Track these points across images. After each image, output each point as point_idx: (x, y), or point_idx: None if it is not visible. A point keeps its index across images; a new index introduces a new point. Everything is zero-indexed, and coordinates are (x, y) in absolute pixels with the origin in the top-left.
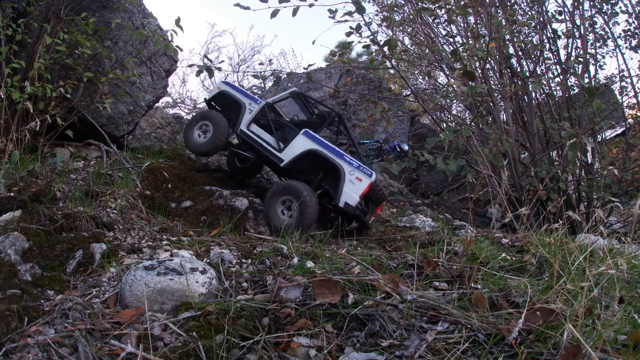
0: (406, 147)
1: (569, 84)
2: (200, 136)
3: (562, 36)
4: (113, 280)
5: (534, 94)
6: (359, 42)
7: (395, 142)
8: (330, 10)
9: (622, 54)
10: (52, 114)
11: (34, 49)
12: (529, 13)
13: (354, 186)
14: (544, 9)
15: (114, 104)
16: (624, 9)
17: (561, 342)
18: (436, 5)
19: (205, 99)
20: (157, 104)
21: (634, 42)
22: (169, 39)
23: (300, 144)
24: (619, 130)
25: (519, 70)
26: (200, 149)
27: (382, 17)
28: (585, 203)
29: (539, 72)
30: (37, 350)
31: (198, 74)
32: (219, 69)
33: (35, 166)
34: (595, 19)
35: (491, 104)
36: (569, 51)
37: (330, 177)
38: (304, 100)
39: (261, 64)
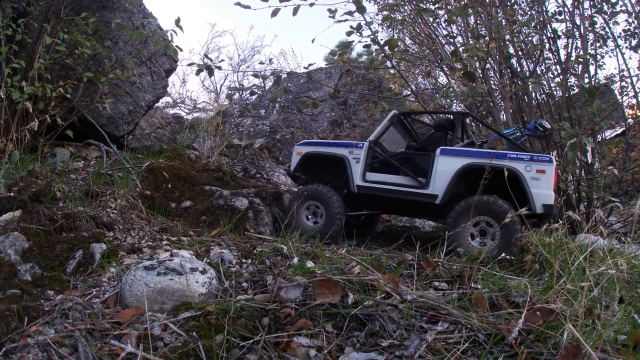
0: (548, 125)
1: (569, 84)
2: (309, 218)
3: (562, 36)
4: (113, 280)
5: (534, 94)
6: (360, 41)
7: (534, 121)
8: (330, 10)
9: (622, 54)
10: (52, 114)
11: (34, 49)
12: (529, 13)
13: (540, 182)
14: (544, 9)
15: (114, 104)
16: (624, 8)
17: (561, 342)
18: (436, 5)
19: (289, 173)
20: (157, 104)
21: (634, 42)
22: (169, 39)
23: (447, 166)
24: (619, 130)
25: (519, 70)
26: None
27: (382, 16)
28: (585, 203)
29: (539, 72)
30: (37, 350)
31: (198, 72)
32: (219, 68)
33: (35, 166)
34: (595, 18)
35: (491, 104)
36: (569, 51)
37: (498, 187)
38: (405, 121)
39: (261, 63)
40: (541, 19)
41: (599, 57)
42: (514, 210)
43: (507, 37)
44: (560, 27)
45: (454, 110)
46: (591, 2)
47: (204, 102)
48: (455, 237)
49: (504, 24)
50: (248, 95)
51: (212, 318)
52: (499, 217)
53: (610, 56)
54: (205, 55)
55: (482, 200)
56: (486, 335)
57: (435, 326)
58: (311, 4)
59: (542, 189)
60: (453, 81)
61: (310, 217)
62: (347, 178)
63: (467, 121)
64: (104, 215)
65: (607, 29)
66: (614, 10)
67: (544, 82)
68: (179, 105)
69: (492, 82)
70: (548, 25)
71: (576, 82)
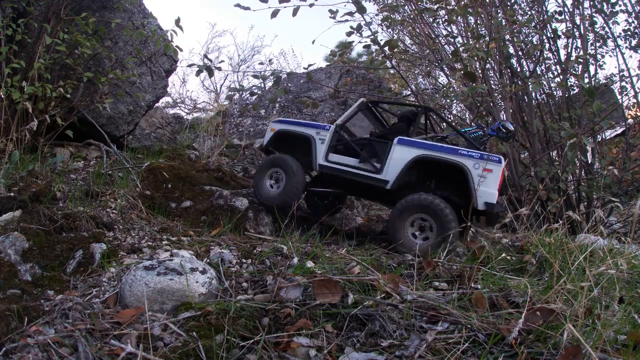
0: (511, 127)
1: (569, 84)
2: (272, 186)
3: (562, 36)
4: (113, 280)
5: (534, 94)
6: (360, 42)
7: (498, 123)
8: (330, 11)
9: (622, 54)
10: (52, 114)
11: (34, 49)
12: (529, 13)
13: (486, 180)
14: (544, 9)
15: (114, 104)
16: (624, 8)
17: (561, 342)
18: (437, 5)
19: (261, 146)
20: (157, 104)
21: (634, 42)
22: (169, 39)
23: (401, 154)
24: (619, 130)
25: (519, 70)
26: (276, 200)
27: (382, 17)
28: (585, 203)
29: (539, 72)
30: (37, 350)
31: (198, 73)
32: (219, 68)
33: (35, 166)
34: (595, 18)
35: (491, 104)
36: (569, 51)
37: (446, 183)
38: (374, 109)
39: (261, 64)
40: (541, 19)
41: (599, 57)
42: (450, 207)
43: (507, 37)
44: (560, 27)
45: (417, 105)
46: (591, 2)
47: (204, 102)
48: (394, 232)
49: (504, 24)
50: (248, 95)
51: (212, 318)
52: (434, 214)
53: (610, 56)
54: (205, 56)
55: (418, 199)
56: (486, 335)
57: (435, 326)
58: (311, 5)
59: (487, 187)
60: (453, 81)
61: (273, 184)
62: (311, 157)
63: (434, 116)
64: (104, 215)
65: (607, 29)
66: (614, 10)
67: (544, 82)
68: (179, 105)
69: (492, 82)
70: (548, 25)
71: (576, 82)
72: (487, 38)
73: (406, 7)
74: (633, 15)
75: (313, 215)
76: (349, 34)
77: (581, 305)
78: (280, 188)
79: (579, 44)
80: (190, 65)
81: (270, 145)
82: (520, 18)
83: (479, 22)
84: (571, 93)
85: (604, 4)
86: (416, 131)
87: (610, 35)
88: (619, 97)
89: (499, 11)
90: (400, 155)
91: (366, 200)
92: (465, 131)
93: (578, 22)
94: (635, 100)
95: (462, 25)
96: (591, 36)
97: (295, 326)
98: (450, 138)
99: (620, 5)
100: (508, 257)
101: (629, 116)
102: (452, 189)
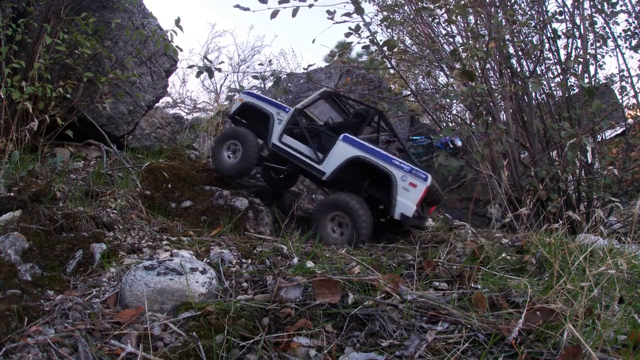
0: (459, 143)
1: (569, 84)
2: (229, 157)
3: (562, 36)
4: (113, 280)
5: (534, 94)
6: (358, 42)
7: (448, 137)
8: (329, 12)
9: (622, 54)
10: (52, 114)
11: (34, 49)
12: (529, 13)
13: (408, 193)
14: (544, 9)
15: (114, 104)
16: (624, 8)
17: (561, 342)
18: (435, 5)
19: (228, 114)
20: (157, 104)
21: (634, 42)
22: (169, 39)
23: (341, 151)
24: (619, 130)
25: (519, 70)
26: (231, 170)
27: (381, 16)
28: (585, 203)
29: (539, 72)
30: (37, 350)
31: (198, 74)
32: (219, 69)
33: (35, 166)
34: (595, 18)
35: (491, 104)
36: (569, 51)
37: (380, 184)
38: (337, 100)
39: (261, 64)
40: (541, 19)
41: (599, 57)
42: (366, 208)
43: (507, 37)
44: (560, 27)
45: (371, 106)
46: (591, 2)
47: (204, 102)
48: (317, 228)
49: (504, 23)
50: None
51: (212, 318)
52: (349, 213)
53: (610, 56)
54: (205, 57)
55: (336, 199)
56: (486, 335)
57: (435, 326)
58: (310, 6)
59: (407, 200)
60: (452, 80)
61: (230, 155)
62: (267, 134)
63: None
64: (104, 215)
65: (607, 29)
66: (614, 10)
67: (544, 82)
68: (179, 105)
69: (492, 82)
70: (548, 25)
71: (576, 82)
72: (487, 38)
73: (406, 7)
74: (633, 15)
75: (268, 186)
76: (347, 34)
77: (581, 305)
78: (237, 159)
79: (579, 44)
80: (190, 67)
81: (236, 114)
82: (520, 18)
83: (478, 21)
84: (571, 93)
85: (604, 4)
86: (365, 129)
87: (611, 35)
88: (619, 97)
89: (498, 11)
90: (340, 152)
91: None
92: (412, 139)
93: (578, 22)
94: (635, 100)
95: (462, 25)
96: (591, 36)
97: (295, 326)
98: (418, 144)
99: (620, 5)
100: (508, 257)
101: (629, 116)
102: (382, 193)
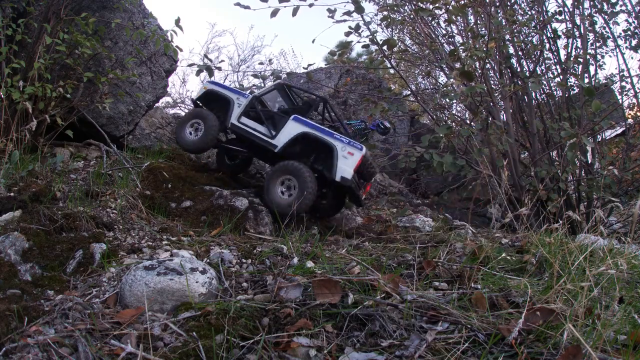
0: (388, 125)
1: (569, 84)
2: (191, 134)
3: (562, 36)
4: (113, 280)
5: (534, 94)
6: (358, 41)
7: (378, 120)
8: (329, 10)
9: (622, 54)
10: (52, 114)
11: (34, 49)
12: (529, 13)
13: (347, 160)
14: (544, 9)
15: (114, 103)
16: (624, 8)
17: (561, 342)
18: (434, 5)
19: (192, 99)
20: (157, 104)
21: (634, 42)
22: (169, 39)
23: (292, 128)
24: (619, 130)
25: (519, 70)
26: (191, 146)
27: (381, 16)
28: (585, 203)
29: (539, 72)
30: (37, 350)
31: (198, 73)
32: (219, 68)
33: (35, 166)
34: (595, 18)
35: (491, 104)
36: (569, 51)
37: (323, 158)
38: (288, 91)
39: (261, 64)
40: (541, 19)
41: (599, 57)
42: (311, 172)
43: (507, 37)
44: (560, 27)
45: (317, 95)
46: (591, 2)
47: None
48: (267, 191)
49: (504, 24)
50: None
51: (212, 318)
52: (297, 175)
53: (610, 56)
54: (205, 56)
55: (287, 163)
56: (486, 335)
57: (435, 326)
58: (310, 5)
59: (346, 165)
60: (452, 80)
61: (192, 132)
62: (227, 116)
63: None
64: (104, 215)
65: (607, 29)
66: (614, 10)
67: (544, 82)
68: (179, 105)
69: (492, 82)
70: (548, 25)
71: (576, 82)
72: (487, 38)
73: (406, 7)
74: (633, 15)
75: (219, 167)
76: (347, 33)
77: (581, 305)
78: (197, 137)
79: (579, 44)
80: (190, 65)
81: (199, 99)
82: (520, 18)
83: (478, 21)
84: (571, 93)
85: (604, 4)
86: (311, 117)
87: (611, 36)
88: (619, 97)
89: (498, 11)
90: (291, 129)
91: (262, 161)
92: (350, 124)
93: (578, 22)
94: (635, 100)
95: (462, 25)
96: (591, 36)
97: (295, 326)
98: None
99: (620, 5)
100: (508, 257)
101: (629, 116)
102: (325, 165)
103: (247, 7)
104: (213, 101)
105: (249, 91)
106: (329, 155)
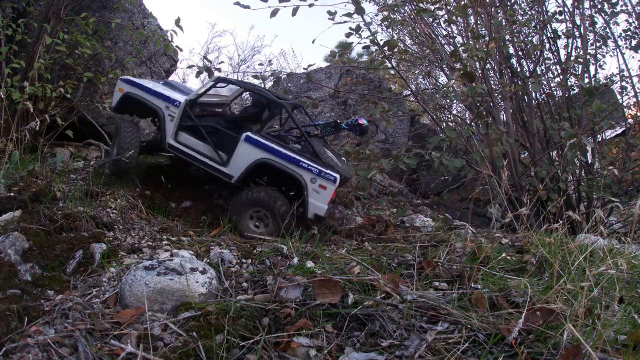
0: (365, 122)
1: (569, 84)
2: (110, 153)
3: (562, 36)
4: (113, 280)
5: (534, 94)
6: (359, 42)
7: (354, 118)
8: (329, 12)
9: (622, 54)
10: (52, 114)
11: (34, 49)
12: (529, 13)
13: (319, 195)
14: (544, 9)
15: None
16: (624, 8)
17: (561, 342)
18: (436, 6)
19: (110, 107)
20: None
21: (634, 42)
22: (169, 39)
23: (246, 154)
24: (619, 130)
25: (519, 70)
26: (109, 166)
27: (382, 17)
28: (585, 203)
29: (539, 72)
30: (37, 350)
31: (198, 75)
32: (219, 69)
33: (35, 166)
34: (595, 19)
35: (491, 104)
36: (569, 51)
37: (293, 186)
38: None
39: (261, 64)
40: (541, 19)
41: (599, 57)
42: (281, 197)
43: (507, 37)
44: (560, 27)
45: (278, 98)
46: (591, 2)
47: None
48: (238, 221)
49: (504, 24)
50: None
51: (212, 318)
52: (269, 208)
53: (610, 56)
54: (205, 57)
55: (252, 197)
56: (486, 335)
57: (435, 326)
58: (310, 5)
59: (319, 201)
60: (452, 81)
61: (112, 151)
62: (161, 132)
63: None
64: (104, 215)
65: (607, 29)
66: (615, 10)
67: (544, 82)
68: None
69: (492, 82)
70: (548, 25)
71: (576, 82)
72: (487, 38)
73: (406, 7)
74: (633, 15)
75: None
76: (348, 35)
77: (581, 305)
78: (111, 159)
79: (579, 44)
80: (190, 67)
81: (118, 108)
82: (520, 18)
83: (478, 22)
84: (571, 93)
85: (604, 4)
86: (269, 119)
87: (611, 35)
88: (619, 97)
89: (498, 11)
90: (245, 154)
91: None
92: (318, 125)
93: (578, 22)
94: (635, 100)
95: (462, 25)
96: (591, 36)
97: (295, 326)
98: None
99: (620, 6)
100: (508, 257)
101: (629, 116)
102: (296, 188)
103: (247, 7)
104: (137, 107)
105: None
106: (298, 185)
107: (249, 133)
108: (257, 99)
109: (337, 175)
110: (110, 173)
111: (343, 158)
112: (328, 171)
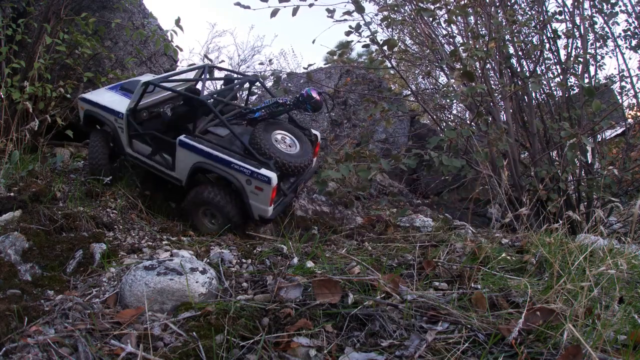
0: (315, 95)
1: (569, 84)
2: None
3: (562, 36)
4: (113, 280)
5: (534, 94)
6: (359, 41)
7: (302, 91)
8: (328, 10)
9: (622, 54)
10: (52, 114)
11: (34, 49)
12: (529, 13)
13: (258, 197)
14: (544, 9)
15: None
16: (624, 8)
17: (561, 342)
18: (436, 5)
19: (81, 125)
20: None
21: (634, 42)
22: (169, 39)
23: (183, 158)
24: (619, 130)
25: (519, 70)
26: (87, 174)
27: (382, 16)
28: (585, 203)
29: (539, 72)
30: (37, 350)
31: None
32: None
33: (35, 166)
34: (595, 19)
35: (491, 104)
36: (569, 51)
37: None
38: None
39: (261, 64)
40: (541, 19)
41: (599, 57)
42: (229, 197)
43: (507, 37)
44: (560, 27)
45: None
46: (591, 2)
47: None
48: (193, 219)
49: (504, 24)
50: None
51: (212, 318)
52: (215, 206)
53: (610, 56)
54: (205, 56)
55: (198, 196)
56: (486, 335)
57: (435, 326)
58: (310, 5)
59: (260, 203)
60: (452, 80)
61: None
62: (119, 144)
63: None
64: (104, 215)
65: (607, 29)
66: (614, 10)
67: (544, 82)
68: None
69: (492, 82)
70: (548, 25)
71: (576, 82)
72: (487, 38)
73: (406, 7)
74: (633, 15)
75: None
76: (348, 33)
77: (581, 305)
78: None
79: (579, 44)
80: (190, 66)
81: (85, 123)
82: (520, 18)
83: (478, 22)
84: (571, 93)
85: (604, 4)
86: (201, 116)
87: (611, 36)
88: (619, 97)
89: (498, 11)
90: (183, 159)
91: None
92: (259, 109)
93: (578, 22)
94: (635, 100)
95: (462, 25)
96: (591, 36)
97: (295, 326)
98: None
99: (620, 6)
100: (508, 257)
101: (629, 116)
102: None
103: (247, 7)
104: (98, 119)
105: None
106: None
107: (182, 137)
108: (187, 96)
109: (271, 175)
110: (90, 175)
111: (306, 138)
112: (261, 172)
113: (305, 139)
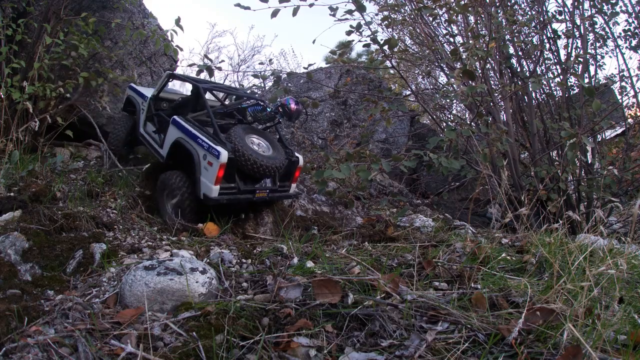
0: (293, 105)
1: (569, 84)
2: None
3: (562, 36)
4: (113, 280)
5: (534, 94)
6: (359, 41)
7: (285, 99)
8: (331, 8)
9: (622, 54)
10: (52, 114)
11: (34, 49)
12: (529, 13)
13: (207, 172)
14: (544, 9)
15: (114, 103)
16: (624, 8)
17: (561, 342)
18: (436, 4)
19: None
20: None
21: (634, 42)
22: (169, 39)
23: (171, 134)
24: (619, 130)
25: (519, 70)
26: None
27: (382, 16)
28: (585, 203)
29: (539, 72)
30: (37, 350)
31: (198, 73)
32: (219, 68)
33: (35, 166)
34: (595, 19)
35: (491, 104)
36: (569, 51)
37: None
38: (181, 80)
39: (261, 63)
40: (541, 19)
41: (599, 57)
42: (181, 178)
43: (507, 37)
44: (560, 27)
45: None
46: (591, 2)
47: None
48: (159, 204)
49: (504, 24)
50: None
51: (212, 318)
52: (173, 188)
53: (610, 56)
54: (206, 56)
55: (163, 177)
56: (486, 335)
57: (435, 326)
58: (311, 5)
59: (207, 179)
60: (453, 80)
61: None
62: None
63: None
64: (104, 215)
65: (607, 29)
66: (614, 10)
67: (544, 82)
68: None
69: (492, 82)
70: (548, 25)
71: (576, 82)
72: (487, 38)
73: (406, 7)
74: (633, 15)
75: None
76: (348, 32)
77: (581, 305)
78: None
79: (579, 44)
80: (190, 65)
81: (125, 107)
82: (520, 18)
83: (478, 21)
84: (571, 93)
85: (604, 4)
86: (202, 105)
87: (611, 36)
88: (619, 97)
89: (499, 11)
90: (170, 135)
91: None
92: (244, 106)
93: (578, 22)
94: (635, 100)
95: (463, 24)
96: (591, 36)
97: (295, 326)
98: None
99: (620, 6)
100: (508, 257)
101: (629, 116)
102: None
103: (248, 8)
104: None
105: (248, 91)
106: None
107: (175, 116)
108: (194, 89)
109: (223, 151)
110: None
111: (282, 148)
112: (216, 147)
113: (281, 149)
